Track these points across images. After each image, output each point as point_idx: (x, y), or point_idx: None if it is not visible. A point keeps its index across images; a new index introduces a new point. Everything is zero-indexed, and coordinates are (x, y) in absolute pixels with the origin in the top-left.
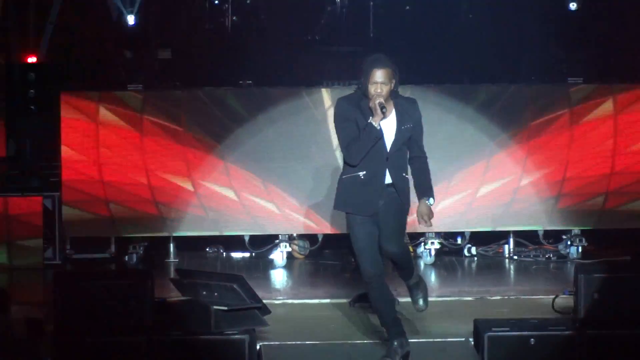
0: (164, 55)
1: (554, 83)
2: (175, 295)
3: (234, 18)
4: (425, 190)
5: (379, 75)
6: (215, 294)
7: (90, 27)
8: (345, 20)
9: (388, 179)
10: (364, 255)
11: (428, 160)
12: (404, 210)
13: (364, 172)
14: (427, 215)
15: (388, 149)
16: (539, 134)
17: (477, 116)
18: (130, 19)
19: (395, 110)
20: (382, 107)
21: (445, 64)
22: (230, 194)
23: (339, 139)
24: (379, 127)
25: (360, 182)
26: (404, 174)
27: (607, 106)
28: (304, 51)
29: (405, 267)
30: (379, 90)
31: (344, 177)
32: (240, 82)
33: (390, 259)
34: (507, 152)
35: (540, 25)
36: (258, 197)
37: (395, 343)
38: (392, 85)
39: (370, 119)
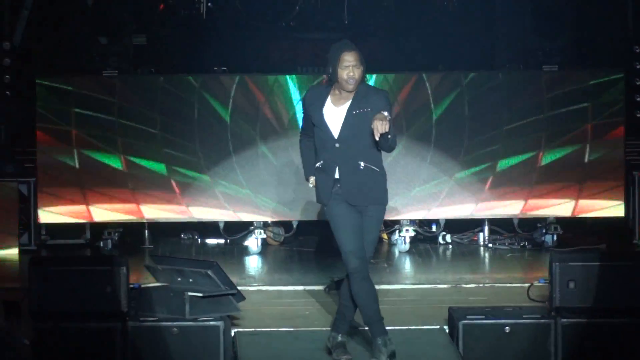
0: (138, 41)
1: (529, 70)
2: (150, 282)
3: (209, 4)
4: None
5: (349, 57)
6: (190, 280)
7: (65, 13)
8: (319, 6)
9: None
10: (348, 247)
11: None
12: (382, 212)
13: (321, 162)
14: (376, 118)
15: (336, 136)
16: (514, 121)
17: (455, 102)
18: None
19: (354, 96)
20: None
21: (421, 51)
22: (205, 180)
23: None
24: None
25: (319, 171)
26: (360, 163)
27: (581, 94)
28: (278, 37)
29: (362, 291)
30: (351, 74)
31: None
32: (215, 68)
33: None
34: (484, 139)
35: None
36: (233, 183)
37: (380, 341)
38: (362, 69)
39: (310, 180)
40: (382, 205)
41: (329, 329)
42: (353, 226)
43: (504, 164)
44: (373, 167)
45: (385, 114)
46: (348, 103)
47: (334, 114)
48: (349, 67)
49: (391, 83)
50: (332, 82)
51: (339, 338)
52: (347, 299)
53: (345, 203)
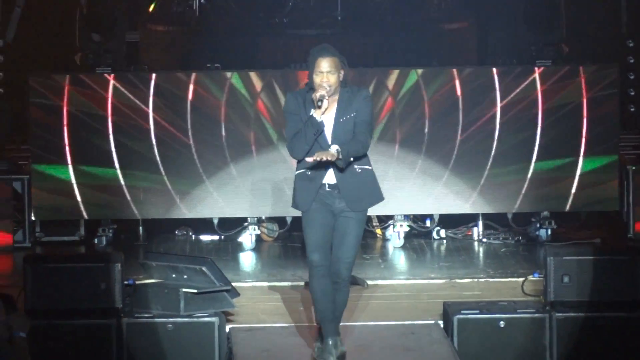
0: (131, 38)
1: (522, 65)
2: (144, 278)
3: (202, 1)
4: (341, 145)
5: (324, 64)
6: (185, 276)
7: (58, 10)
8: (312, 3)
9: (331, 175)
10: (312, 241)
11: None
12: (362, 219)
13: (306, 169)
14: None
15: (330, 140)
16: (508, 116)
17: (446, 99)
18: None
19: (338, 102)
20: (320, 100)
21: (414, 47)
22: (198, 176)
23: (285, 134)
24: (320, 120)
25: (303, 177)
26: (355, 167)
27: (575, 88)
28: (271, 34)
29: (339, 296)
30: (324, 80)
31: (295, 172)
32: (208, 65)
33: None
34: (476, 134)
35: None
36: (227, 180)
37: (330, 342)
38: (341, 75)
39: (312, 112)
40: (364, 213)
41: None
42: (322, 225)
43: (497, 160)
44: (366, 167)
45: (333, 151)
46: (333, 110)
47: (325, 121)
48: (322, 73)
49: (384, 79)
50: (311, 87)
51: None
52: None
53: (325, 208)
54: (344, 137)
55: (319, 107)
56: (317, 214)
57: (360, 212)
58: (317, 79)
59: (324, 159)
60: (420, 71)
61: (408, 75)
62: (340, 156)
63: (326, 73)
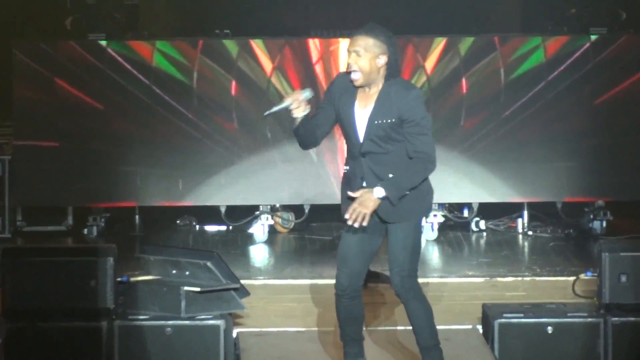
0: (130, 0)
1: (574, 33)
2: (140, 275)
3: None
4: (387, 181)
5: (352, 42)
6: (187, 273)
7: None
8: None
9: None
10: (341, 264)
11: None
12: (409, 227)
13: (347, 167)
14: (360, 199)
15: (361, 141)
16: (556, 92)
17: (486, 72)
18: None
19: (377, 98)
20: (275, 109)
21: (447, 11)
22: (204, 158)
23: None
24: (296, 126)
25: (345, 178)
26: (391, 177)
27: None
28: None
29: (410, 312)
30: (350, 61)
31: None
32: (217, 31)
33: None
34: (521, 112)
35: None
36: (236, 162)
37: None
38: (377, 61)
39: (293, 112)
40: (409, 222)
41: None
42: (359, 240)
43: (545, 142)
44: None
45: (376, 193)
46: (371, 107)
47: (360, 118)
48: (350, 53)
49: (414, 47)
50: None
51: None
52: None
53: (367, 225)
54: (377, 144)
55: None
56: (356, 232)
57: (407, 224)
58: (347, 59)
59: (361, 213)
60: (457, 40)
61: (442, 45)
62: (387, 194)
63: (352, 52)
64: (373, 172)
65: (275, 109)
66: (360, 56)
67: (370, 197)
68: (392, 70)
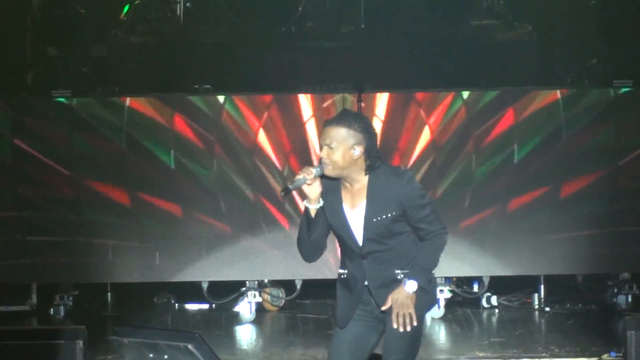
0: (98, 52)
1: (596, 86)
2: (113, 359)
3: (187, 4)
4: (412, 271)
5: (324, 133)
6: (165, 357)
7: (3, 17)
8: (328, 6)
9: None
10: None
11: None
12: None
13: (344, 271)
14: (397, 303)
15: (360, 244)
16: (577, 151)
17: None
18: None
19: (367, 194)
20: (284, 190)
21: (455, 64)
22: (183, 231)
23: None
24: (317, 207)
25: (342, 282)
26: (397, 272)
27: None
28: (276, 47)
29: None
30: (322, 155)
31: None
32: (196, 86)
33: None
34: (537, 173)
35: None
36: (220, 235)
37: None
38: (352, 152)
39: (305, 200)
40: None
41: None
42: (352, 342)
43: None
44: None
45: (409, 288)
46: (363, 205)
47: (353, 219)
48: (321, 147)
49: (420, 104)
50: None
51: None
52: None
53: (364, 317)
54: (378, 242)
55: (294, 189)
56: (351, 328)
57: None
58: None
59: (407, 315)
60: (466, 94)
61: (450, 100)
62: (420, 284)
63: (326, 146)
64: (376, 272)
65: (292, 186)
66: (332, 149)
67: (405, 296)
68: (372, 160)
